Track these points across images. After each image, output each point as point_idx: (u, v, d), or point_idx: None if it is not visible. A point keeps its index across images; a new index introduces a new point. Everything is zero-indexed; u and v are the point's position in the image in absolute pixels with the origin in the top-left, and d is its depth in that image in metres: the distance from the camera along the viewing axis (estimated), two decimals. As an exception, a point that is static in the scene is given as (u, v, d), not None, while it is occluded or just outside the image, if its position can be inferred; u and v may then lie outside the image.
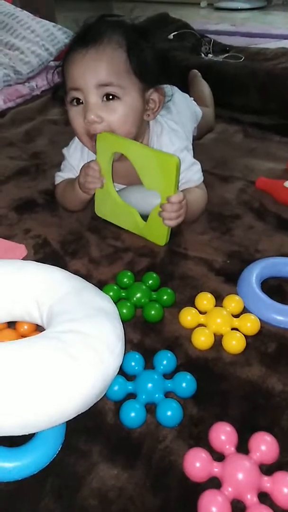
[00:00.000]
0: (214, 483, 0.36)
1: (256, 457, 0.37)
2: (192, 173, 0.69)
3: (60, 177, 0.73)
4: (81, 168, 0.67)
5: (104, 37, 0.60)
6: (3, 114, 1.13)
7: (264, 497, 0.35)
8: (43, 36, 1.35)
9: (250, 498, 0.34)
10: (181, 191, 0.63)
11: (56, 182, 0.74)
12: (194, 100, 0.92)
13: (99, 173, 0.65)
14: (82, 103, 0.62)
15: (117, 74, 0.60)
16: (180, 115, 0.78)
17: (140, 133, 0.66)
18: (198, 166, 0.70)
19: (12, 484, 0.37)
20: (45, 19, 1.43)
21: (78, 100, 0.62)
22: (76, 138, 0.72)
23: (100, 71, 0.60)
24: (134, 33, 0.63)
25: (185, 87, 1.04)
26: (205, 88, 1.07)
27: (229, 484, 0.35)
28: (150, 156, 0.60)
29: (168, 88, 0.72)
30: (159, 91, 0.66)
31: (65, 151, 0.74)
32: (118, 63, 0.61)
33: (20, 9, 1.42)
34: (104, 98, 0.61)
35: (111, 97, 0.60)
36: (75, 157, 0.72)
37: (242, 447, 0.38)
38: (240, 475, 0.35)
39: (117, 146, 0.62)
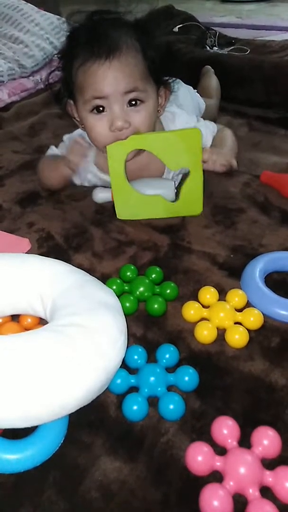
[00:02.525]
0: (216, 477, 0.36)
1: (258, 452, 0.37)
2: (210, 130, 0.76)
3: (52, 150, 0.75)
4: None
5: (122, 44, 0.60)
6: (7, 108, 1.13)
7: (266, 491, 0.35)
8: (48, 29, 1.35)
9: (252, 493, 0.34)
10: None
11: (46, 154, 0.75)
12: (198, 92, 0.92)
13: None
14: (104, 110, 0.62)
15: (140, 79, 0.61)
16: (183, 108, 0.78)
17: (154, 128, 0.68)
18: (211, 124, 0.79)
19: (14, 476, 0.37)
20: (50, 12, 1.42)
21: (99, 107, 0.62)
22: (80, 130, 0.72)
23: (126, 79, 0.60)
24: (142, 32, 0.63)
25: (190, 80, 1.03)
26: (213, 81, 1.07)
27: (231, 478, 0.35)
28: (170, 138, 0.63)
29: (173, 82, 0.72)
30: (167, 86, 0.67)
31: (65, 137, 0.75)
32: (140, 68, 0.61)
33: (24, 1, 1.41)
34: (128, 105, 0.62)
35: (134, 102, 0.62)
36: None
37: (244, 442, 0.38)
38: (242, 469, 0.35)
39: (130, 147, 0.63)
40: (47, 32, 1.34)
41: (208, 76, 1.10)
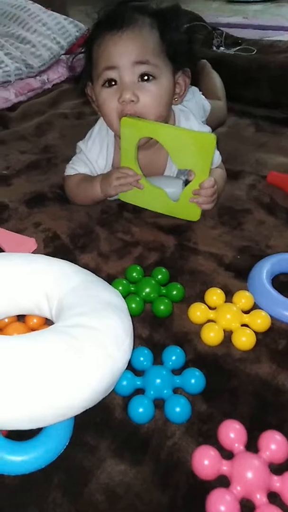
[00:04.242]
0: (223, 481, 0.36)
1: (265, 456, 0.36)
2: (216, 156, 0.71)
3: (75, 170, 0.73)
4: (112, 170, 0.68)
5: (138, 19, 0.61)
6: (14, 108, 1.13)
7: (273, 497, 0.35)
8: (55, 30, 1.35)
9: (260, 498, 0.34)
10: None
11: (68, 174, 0.73)
12: (204, 93, 0.91)
13: (133, 178, 0.65)
14: (115, 84, 0.62)
15: (153, 54, 0.61)
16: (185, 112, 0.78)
17: (167, 118, 0.67)
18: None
19: (19, 478, 0.37)
20: (57, 12, 1.42)
21: (111, 81, 0.62)
22: (94, 132, 0.72)
23: (136, 49, 0.60)
24: (163, 16, 0.63)
25: (193, 77, 1.02)
26: (216, 80, 1.05)
27: (238, 483, 0.34)
28: (185, 136, 0.61)
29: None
30: (186, 74, 0.67)
31: (81, 144, 0.73)
32: (154, 43, 0.61)
33: (31, 1, 1.42)
34: (140, 79, 0.61)
35: (146, 77, 0.61)
36: (94, 151, 0.71)
37: (251, 446, 0.38)
38: (250, 474, 0.34)
39: (144, 131, 0.62)
40: (54, 32, 1.34)
41: (208, 72, 1.08)
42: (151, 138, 0.64)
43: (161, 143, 0.63)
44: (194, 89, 0.88)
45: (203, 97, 0.90)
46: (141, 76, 0.61)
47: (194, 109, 0.81)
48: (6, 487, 0.37)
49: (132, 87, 0.61)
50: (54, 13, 1.40)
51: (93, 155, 0.71)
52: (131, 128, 0.62)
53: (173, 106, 0.70)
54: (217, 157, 0.72)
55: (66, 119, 1.07)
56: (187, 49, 0.66)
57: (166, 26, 0.62)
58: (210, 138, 0.60)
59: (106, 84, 0.62)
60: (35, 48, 1.27)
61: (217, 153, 0.71)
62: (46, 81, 1.27)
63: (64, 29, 1.36)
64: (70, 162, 0.74)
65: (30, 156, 0.91)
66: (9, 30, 1.33)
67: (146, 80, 0.61)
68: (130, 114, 0.62)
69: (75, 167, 0.73)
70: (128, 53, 0.60)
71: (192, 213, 0.67)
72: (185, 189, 0.65)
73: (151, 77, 0.61)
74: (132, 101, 0.61)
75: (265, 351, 0.48)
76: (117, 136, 0.67)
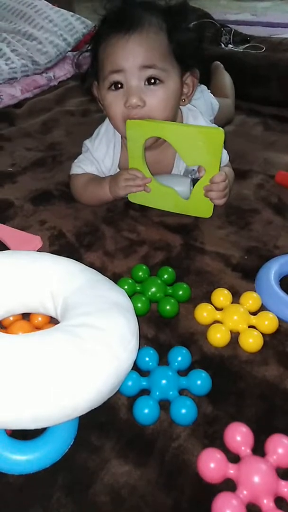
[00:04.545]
0: (229, 485, 0.35)
1: (272, 460, 0.36)
2: (223, 155, 0.70)
3: (81, 169, 0.72)
4: (121, 172, 0.67)
5: (145, 20, 0.60)
6: (20, 105, 1.12)
7: (280, 502, 0.34)
8: (61, 26, 1.34)
9: (267, 503, 0.33)
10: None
11: (74, 172, 0.73)
12: (212, 91, 0.90)
13: (142, 181, 0.65)
14: (122, 87, 0.61)
15: (160, 57, 0.60)
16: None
17: (174, 118, 0.66)
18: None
19: (23, 477, 0.37)
20: (64, 8, 1.42)
21: (117, 84, 0.61)
22: (101, 131, 0.71)
23: (143, 53, 0.59)
24: (172, 15, 0.62)
25: (204, 78, 1.01)
26: (226, 79, 1.05)
27: (244, 487, 0.34)
28: (192, 132, 0.60)
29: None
30: (194, 74, 0.66)
31: (88, 143, 0.72)
32: (161, 46, 0.60)
33: (38, -2, 1.41)
34: (146, 82, 0.60)
35: (153, 81, 0.60)
36: (101, 150, 0.71)
37: (258, 449, 0.37)
38: (256, 478, 0.34)
39: (150, 132, 0.62)
40: (60, 28, 1.33)
41: (220, 73, 1.08)
42: (159, 138, 0.63)
43: (169, 141, 0.62)
44: (203, 87, 0.87)
45: (212, 95, 0.89)
46: (148, 79, 0.60)
47: (203, 108, 0.80)
48: (10, 486, 0.37)
49: (138, 91, 0.60)
50: (61, 9, 1.40)
51: (99, 155, 0.71)
52: (137, 130, 0.61)
53: (186, 107, 0.69)
54: (225, 156, 0.71)
55: (72, 117, 1.06)
56: (196, 49, 0.65)
57: (174, 26, 0.61)
58: (219, 132, 0.59)
59: (112, 87, 0.62)
60: (42, 45, 1.27)
61: (224, 152, 0.70)
62: (53, 78, 1.26)
63: (71, 25, 1.35)
64: (76, 160, 0.73)
65: (36, 153, 0.90)
66: (16, 26, 1.33)
67: (153, 84, 0.60)
68: (137, 118, 0.61)
69: (82, 166, 0.72)
70: (135, 57, 0.59)
71: (204, 210, 0.66)
72: (196, 185, 0.64)
73: (158, 81, 0.60)
74: (139, 105, 0.60)
75: (272, 354, 0.47)
76: (124, 137, 0.66)
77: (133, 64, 0.59)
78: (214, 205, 0.65)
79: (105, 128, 0.71)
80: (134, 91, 0.60)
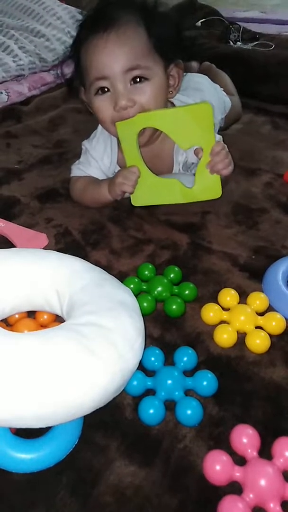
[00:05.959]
0: (235, 487, 0.35)
1: (279, 463, 0.35)
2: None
3: (81, 171, 0.72)
4: (120, 171, 0.66)
5: (121, 18, 0.59)
6: (27, 102, 1.12)
7: (287, 505, 0.34)
8: (69, 23, 1.33)
9: (273, 507, 0.33)
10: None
11: (74, 175, 0.72)
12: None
13: (136, 179, 0.64)
14: (109, 91, 0.61)
15: (142, 56, 0.59)
16: None
17: None
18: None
19: (28, 476, 0.37)
20: (71, 5, 1.41)
21: (104, 88, 0.61)
22: (98, 131, 0.71)
23: (125, 56, 0.58)
24: (148, 9, 0.62)
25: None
26: (226, 77, 1.03)
27: (250, 490, 0.33)
28: (180, 113, 0.60)
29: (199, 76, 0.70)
30: (178, 65, 0.65)
31: (86, 143, 0.72)
32: (141, 44, 0.60)
33: (46, -5, 1.41)
34: (132, 82, 0.60)
35: (138, 79, 0.60)
36: (99, 149, 0.70)
37: (265, 452, 0.37)
38: (263, 481, 0.33)
39: (140, 124, 0.61)
40: (68, 25, 1.33)
41: (216, 73, 1.04)
42: (154, 133, 0.63)
43: (159, 128, 0.62)
44: (216, 85, 0.86)
45: (225, 93, 0.89)
46: (133, 79, 0.60)
47: (216, 105, 0.80)
48: (14, 484, 0.37)
49: (126, 93, 0.60)
50: (69, 6, 1.39)
51: (98, 154, 0.70)
52: (127, 128, 0.61)
53: (185, 98, 0.68)
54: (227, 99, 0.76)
55: (79, 114, 1.06)
56: (176, 40, 0.64)
57: (152, 21, 0.61)
58: (206, 105, 0.59)
59: (99, 92, 0.61)
60: (49, 42, 1.27)
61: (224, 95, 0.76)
62: (60, 75, 1.26)
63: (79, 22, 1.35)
64: (76, 162, 0.73)
65: (43, 150, 0.90)
66: (23, 23, 1.33)
67: (138, 82, 0.60)
68: (131, 117, 0.60)
69: (82, 168, 0.72)
70: (118, 61, 0.58)
71: (213, 190, 0.64)
72: (198, 166, 0.63)
73: (143, 79, 0.60)
74: (129, 106, 0.60)
75: (279, 355, 0.47)
76: (117, 138, 0.66)
77: (117, 69, 0.59)
78: (222, 187, 0.64)
79: (101, 128, 0.71)
80: (122, 94, 0.60)
